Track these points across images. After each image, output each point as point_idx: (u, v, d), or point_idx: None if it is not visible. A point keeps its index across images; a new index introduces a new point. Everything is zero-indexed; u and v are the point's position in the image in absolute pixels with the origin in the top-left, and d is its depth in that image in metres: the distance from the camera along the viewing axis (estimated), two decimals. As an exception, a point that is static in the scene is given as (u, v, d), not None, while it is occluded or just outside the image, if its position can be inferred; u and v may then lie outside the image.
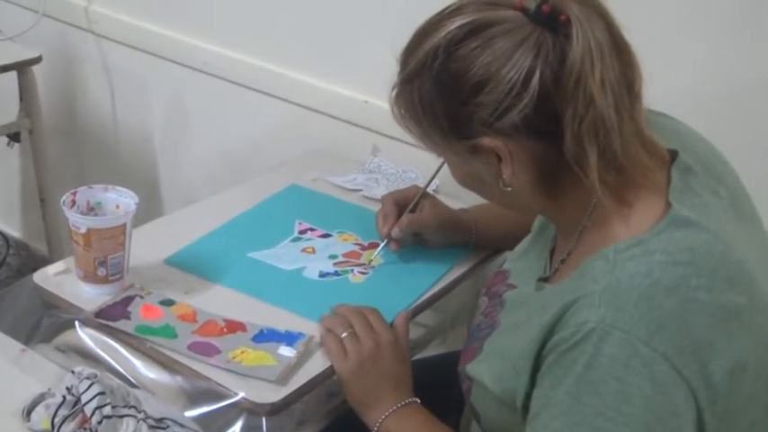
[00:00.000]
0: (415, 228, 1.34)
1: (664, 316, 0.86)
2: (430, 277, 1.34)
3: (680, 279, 0.88)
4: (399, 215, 1.34)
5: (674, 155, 0.99)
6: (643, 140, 0.94)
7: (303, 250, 1.38)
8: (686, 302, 0.87)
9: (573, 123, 0.89)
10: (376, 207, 1.40)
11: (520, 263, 1.15)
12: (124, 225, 1.20)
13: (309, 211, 1.50)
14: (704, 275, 0.89)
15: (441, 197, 1.41)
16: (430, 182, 1.35)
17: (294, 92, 1.85)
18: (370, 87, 1.73)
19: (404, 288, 1.31)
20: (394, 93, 0.99)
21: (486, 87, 0.91)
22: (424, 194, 1.36)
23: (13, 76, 1.98)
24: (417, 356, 1.35)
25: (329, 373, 1.14)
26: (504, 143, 0.93)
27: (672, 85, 1.26)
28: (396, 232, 1.33)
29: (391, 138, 1.68)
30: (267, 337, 1.17)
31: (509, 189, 0.97)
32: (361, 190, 1.59)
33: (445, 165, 1.09)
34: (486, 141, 0.94)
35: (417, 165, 1.64)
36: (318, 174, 1.62)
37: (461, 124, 0.94)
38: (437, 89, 0.94)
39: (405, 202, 1.36)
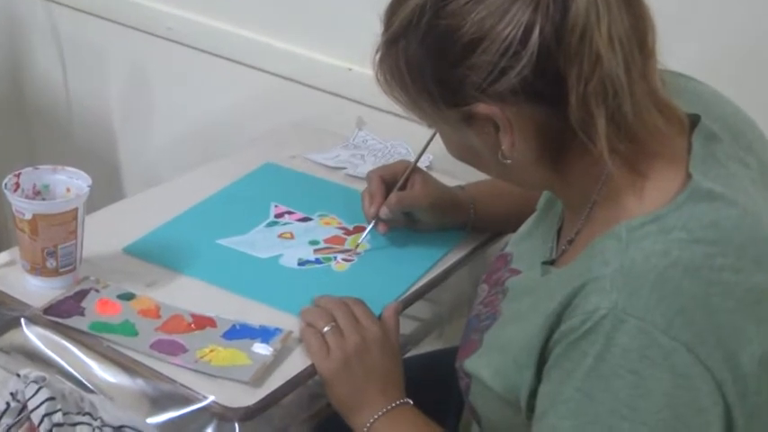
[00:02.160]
0: (405, 206, 1.34)
1: (684, 300, 0.86)
2: (423, 264, 1.34)
3: (702, 259, 0.88)
4: (387, 193, 1.34)
5: (695, 120, 0.99)
6: (658, 103, 0.94)
7: (280, 236, 1.38)
8: (709, 285, 0.87)
9: (578, 85, 0.88)
10: (362, 187, 1.40)
11: (523, 245, 1.15)
12: (76, 210, 1.20)
13: (287, 192, 1.49)
14: (730, 254, 0.89)
15: (434, 174, 1.41)
16: (420, 155, 1.35)
17: (269, 60, 1.85)
18: (355, 54, 1.70)
19: (393, 277, 1.31)
20: (378, 56, 0.99)
21: (479, 47, 0.90)
22: (415, 170, 1.36)
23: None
24: (410, 353, 1.35)
25: (310, 372, 1.14)
26: (502, 110, 0.93)
27: (690, 44, 1.26)
28: (384, 212, 1.32)
29: (378, 109, 1.69)
30: (240, 333, 1.16)
31: (508, 161, 0.96)
32: (344, 168, 1.59)
33: (438, 136, 1.08)
34: (482, 108, 0.93)
35: (407, 139, 1.64)
36: (297, 151, 1.62)
37: (453, 89, 0.94)
38: (425, 50, 0.94)
39: (393, 179, 1.35)
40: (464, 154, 1.03)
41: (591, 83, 0.88)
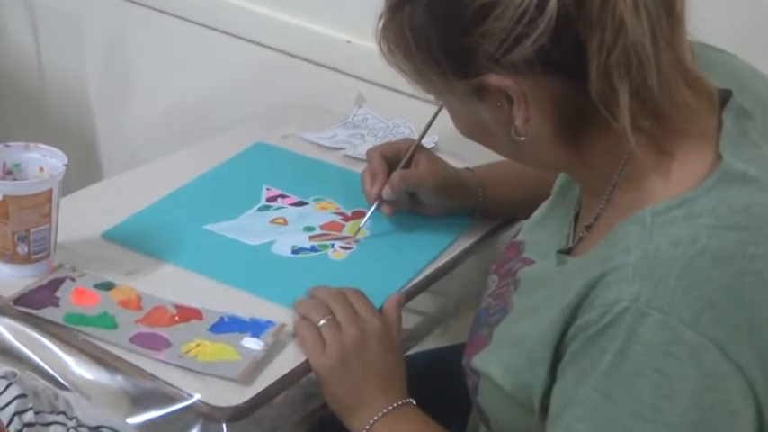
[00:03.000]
0: (409, 185, 1.34)
1: (713, 292, 0.86)
2: (427, 253, 1.34)
3: (733, 247, 0.88)
4: (390, 173, 1.34)
5: (726, 96, 0.98)
6: (686, 76, 0.94)
7: (272, 221, 1.38)
8: (741, 275, 0.87)
9: (599, 55, 0.88)
10: (361, 169, 1.40)
11: (537, 233, 1.15)
12: (50, 192, 1.19)
13: (280, 174, 1.49)
14: (763, 242, 0.88)
15: (440, 156, 1.41)
16: (426, 131, 1.35)
17: (260, 31, 1.85)
18: (354, 25, 1.72)
19: (395, 266, 1.31)
20: (381, 24, 0.99)
21: (492, 12, 0.90)
22: (419, 148, 1.36)
23: None
24: (413, 350, 1.35)
25: (304, 369, 1.14)
26: (516, 82, 0.93)
27: (723, 13, 1.25)
28: (387, 191, 1.33)
29: (379, 85, 1.69)
30: (228, 326, 1.16)
31: (522, 139, 0.96)
32: (342, 149, 1.59)
33: (444, 112, 1.08)
34: (494, 80, 0.93)
35: (411, 117, 1.64)
36: (290, 129, 1.62)
37: (463, 60, 0.94)
38: (432, 17, 0.94)
39: (395, 157, 1.36)
40: (474, 131, 1.03)
41: (613, 53, 0.88)
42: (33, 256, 1.21)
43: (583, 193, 1.08)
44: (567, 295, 0.93)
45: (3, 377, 0.98)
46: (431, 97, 1.04)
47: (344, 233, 1.37)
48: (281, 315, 1.19)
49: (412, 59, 0.97)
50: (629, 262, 0.88)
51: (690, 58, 0.94)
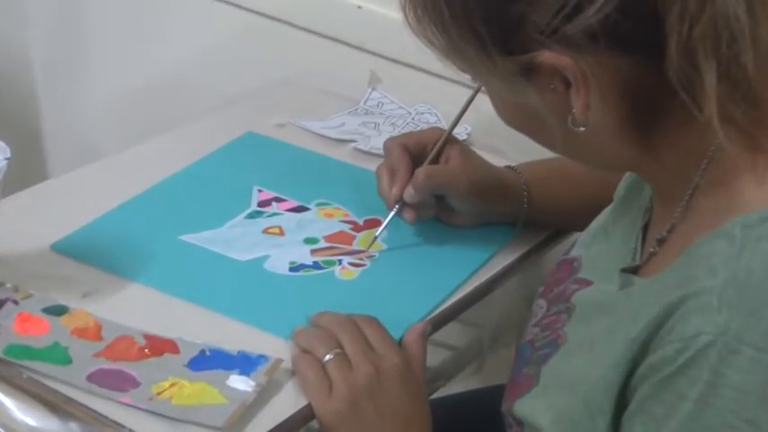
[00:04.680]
0: (437, 185, 1.34)
1: (819, 325, 0.86)
2: (458, 272, 1.34)
3: None
4: (413, 170, 1.34)
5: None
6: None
7: (265, 231, 1.39)
8: None
9: (680, 27, 0.88)
10: (375, 165, 1.40)
11: (596, 247, 1.16)
12: (-11, 192, 1.20)
13: (274, 172, 1.50)
14: None
15: (475, 150, 1.41)
16: (458, 120, 1.35)
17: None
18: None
19: (419, 288, 1.31)
20: (406, -16, 1.00)
21: (545, -27, 0.91)
22: (449, 139, 1.36)
23: None
24: (440, 393, 1.36)
25: (306, 415, 1.14)
26: (575, 60, 0.93)
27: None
28: (410, 193, 1.33)
29: (398, 62, 1.68)
30: (211, 361, 1.17)
31: (581, 130, 0.97)
32: (353, 141, 1.59)
33: (483, 97, 1.09)
34: (547, 58, 0.93)
35: (438, 102, 1.65)
36: (287, 116, 1.62)
37: (508, 31, 0.94)
38: (472, -24, 0.95)
39: (420, 151, 1.36)
40: (519, 120, 1.03)
41: (698, 24, 0.88)
42: (-33, 273, 1.21)
43: (655, 199, 1.08)
44: (634, 326, 0.93)
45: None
46: (465, 77, 1.04)
47: (355, 246, 1.37)
48: (277, 348, 1.19)
49: (445, 30, 0.97)
50: (714, 286, 0.88)
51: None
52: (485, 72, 1.00)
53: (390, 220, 1.35)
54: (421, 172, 1.33)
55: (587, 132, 0.97)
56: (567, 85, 0.95)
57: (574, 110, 0.96)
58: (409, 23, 1.00)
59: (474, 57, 0.98)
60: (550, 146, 1.04)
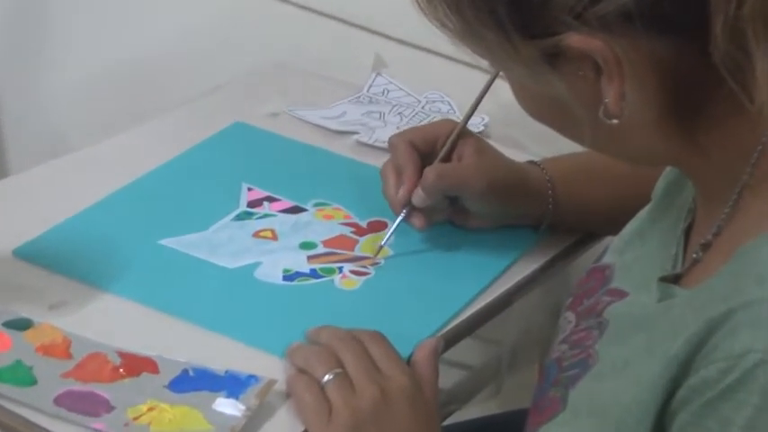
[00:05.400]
0: (449, 186, 1.34)
1: None
2: (474, 282, 1.34)
3: None
4: (422, 168, 1.34)
5: None
6: None
7: (256, 235, 1.39)
8: None
9: (727, 5, 0.88)
10: (380, 161, 1.40)
11: (631, 253, 1.16)
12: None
13: (266, 168, 1.50)
14: None
15: (492, 144, 1.40)
16: (474, 108, 1.35)
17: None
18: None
19: (430, 300, 1.31)
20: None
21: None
22: (464, 133, 1.36)
23: None
24: (454, 418, 1.35)
25: (302, 444, 1.14)
26: (607, 43, 0.92)
27: None
28: (419, 197, 1.33)
29: (406, 43, 1.69)
30: (195, 382, 1.16)
31: (614, 122, 0.96)
32: (355, 132, 1.59)
33: (501, 84, 1.08)
34: (575, 41, 0.93)
35: (451, 89, 1.65)
36: (281, 105, 1.63)
37: (532, 12, 0.94)
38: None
39: (430, 147, 1.36)
40: (544, 111, 1.03)
41: (747, 2, 0.87)
42: None
43: (698, 198, 1.08)
44: (674, 343, 0.93)
45: None
46: (482, 61, 1.04)
47: (358, 252, 1.37)
48: (270, 367, 1.19)
49: (459, 12, 0.97)
50: (765, 298, 0.88)
51: None
52: (504, 58, 0.99)
53: (397, 226, 1.35)
54: (431, 171, 1.33)
55: (621, 125, 0.96)
56: (598, 71, 0.94)
57: (606, 100, 0.95)
58: (419, 3, 1.00)
59: (492, 41, 0.97)
60: (579, 139, 1.04)
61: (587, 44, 0.92)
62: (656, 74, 0.94)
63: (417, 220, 1.35)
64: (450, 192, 1.35)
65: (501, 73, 1.10)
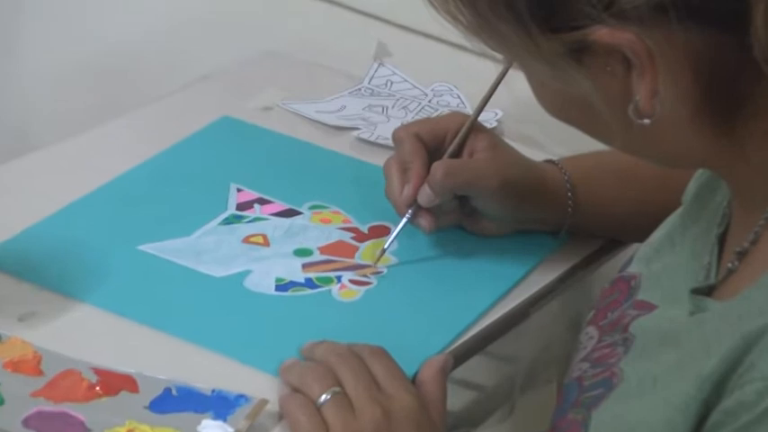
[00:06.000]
0: (459, 184, 1.35)
1: None
2: (487, 293, 1.34)
3: None
4: (430, 164, 1.34)
5: None
6: None
7: (246, 240, 1.39)
8: None
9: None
10: (383, 158, 1.40)
11: (660, 262, 1.16)
12: None
13: (257, 167, 1.51)
14: None
15: (507, 141, 1.41)
16: (486, 101, 1.35)
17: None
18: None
19: (437, 313, 1.31)
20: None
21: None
22: (475, 127, 1.36)
23: None
24: (462, 443, 1.35)
25: (296, 471, 1.14)
26: (639, 37, 0.92)
27: None
28: (426, 195, 1.33)
29: (410, 30, 1.69)
30: (178, 402, 1.16)
31: (646, 121, 0.96)
32: (355, 128, 1.60)
33: (516, 74, 1.09)
34: (604, 35, 0.93)
35: (459, 79, 1.66)
36: (273, 98, 1.63)
37: (555, 4, 0.94)
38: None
39: (438, 142, 1.37)
40: (567, 110, 1.04)
41: (792, -11, 0.88)
42: None
43: (734, 203, 1.08)
44: (707, 361, 0.93)
45: None
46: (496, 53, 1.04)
47: (358, 260, 1.37)
48: (261, 386, 1.19)
49: (473, 4, 0.97)
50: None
51: None
52: (523, 54, 0.99)
53: (402, 230, 1.35)
54: (439, 167, 1.33)
55: (652, 124, 0.96)
56: (628, 67, 0.95)
57: (637, 97, 0.95)
58: None
59: (510, 36, 0.97)
60: (607, 140, 1.05)
61: (617, 38, 0.92)
62: (691, 69, 0.94)
63: (424, 221, 1.35)
64: (460, 190, 1.35)
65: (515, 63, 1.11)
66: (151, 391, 1.17)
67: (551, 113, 1.05)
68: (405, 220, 1.35)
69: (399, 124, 1.50)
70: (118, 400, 1.16)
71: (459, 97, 1.66)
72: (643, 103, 0.95)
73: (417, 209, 1.34)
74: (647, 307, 1.11)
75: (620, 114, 0.97)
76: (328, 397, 1.13)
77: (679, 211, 1.19)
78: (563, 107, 1.04)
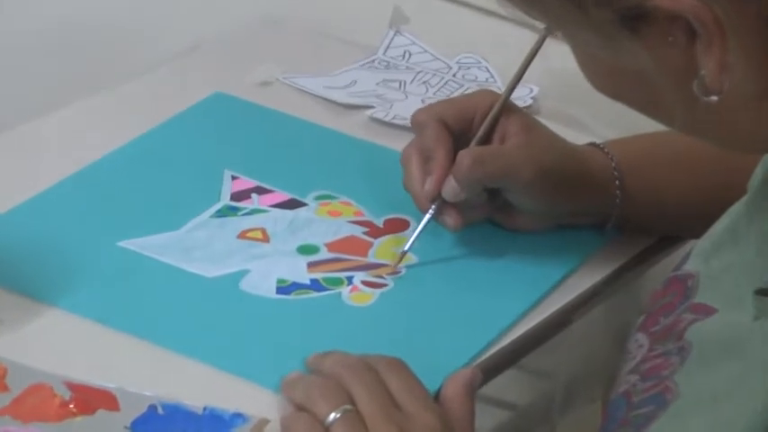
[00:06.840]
0: (490, 174, 1.35)
1: None
2: (521, 297, 1.35)
3: None
4: (455, 152, 1.34)
5: None
6: None
7: (242, 235, 1.40)
8: None
9: None
10: (402, 144, 1.40)
11: (720, 260, 1.15)
12: None
13: (255, 151, 1.52)
14: None
15: (543, 122, 1.41)
16: (520, 76, 1.36)
17: None
18: None
19: (464, 320, 1.32)
20: None
21: None
22: (507, 108, 1.36)
23: None
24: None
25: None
26: (706, 2, 0.92)
27: None
28: (452, 188, 1.33)
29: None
30: (165, 422, 1.17)
31: (714, 99, 0.95)
32: (369, 107, 1.60)
33: (554, 45, 1.09)
34: (664, 2, 0.92)
35: (488, 49, 1.67)
36: (274, 70, 1.64)
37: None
38: None
39: (464, 125, 1.37)
40: (620, 87, 1.03)
41: None
42: None
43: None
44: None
45: None
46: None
47: (372, 259, 1.37)
48: (261, 403, 1.19)
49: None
50: None
51: None
52: (569, 23, 0.99)
53: (425, 226, 1.35)
54: (466, 156, 1.33)
55: (720, 102, 0.96)
56: (692, 37, 0.94)
57: (702, 72, 0.95)
58: None
59: (555, 5, 0.97)
60: (667, 121, 1.04)
61: (680, 4, 0.92)
62: (765, 40, 0.94)
63: (450, 218, 1.35)
64: (490, 182, 1.35)
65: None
66: (133, 410, 1.17)
67: (602, 91, 1.04)
68: (427, 217, 1.35)
69: (419, 102, 1.52)
70: (95, 420, 1.16)
71: (488, 71, 1.66)
72: (710, 78, 0.94)
73: (441, 204, 1.34)
74: (706, 311, 1.11)
75: (682, 90, 0.97)
76: (338, 416, 1.13)
77: (744, 200, 1.18)
78: (615, 84, 1.03)
